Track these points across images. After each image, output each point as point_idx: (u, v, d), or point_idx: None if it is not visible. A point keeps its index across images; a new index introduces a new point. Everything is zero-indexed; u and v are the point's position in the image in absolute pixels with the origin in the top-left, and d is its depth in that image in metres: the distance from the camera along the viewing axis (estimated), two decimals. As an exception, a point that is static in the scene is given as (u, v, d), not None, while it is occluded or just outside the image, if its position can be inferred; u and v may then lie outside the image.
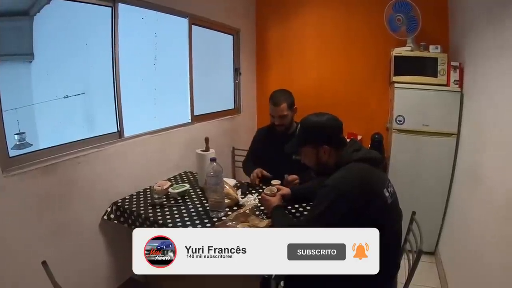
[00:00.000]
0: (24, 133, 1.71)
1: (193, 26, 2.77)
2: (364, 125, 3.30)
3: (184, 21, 2.67)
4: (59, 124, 1.94)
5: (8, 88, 1.65)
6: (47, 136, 1.84)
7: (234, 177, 3.40)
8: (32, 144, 1.73)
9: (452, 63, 2.47)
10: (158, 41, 2.52)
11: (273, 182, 1.90)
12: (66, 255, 1.77)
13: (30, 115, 1.79)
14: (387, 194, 1.28)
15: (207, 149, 2.20)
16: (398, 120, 2.63)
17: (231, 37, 3.44)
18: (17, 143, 1.70)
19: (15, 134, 1.68)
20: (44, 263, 1.35)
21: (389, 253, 1.33)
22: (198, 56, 2.88)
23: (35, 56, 1.76)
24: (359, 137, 3.22)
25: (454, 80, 2.45)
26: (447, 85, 2.50)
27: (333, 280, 1.34)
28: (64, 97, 1.91)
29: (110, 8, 1.99)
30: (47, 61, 1.83)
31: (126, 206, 1.94)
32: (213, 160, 1.74)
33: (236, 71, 3.52)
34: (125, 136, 2.16)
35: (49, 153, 1.71)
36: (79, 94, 1.99)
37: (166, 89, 2.64)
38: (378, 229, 1.23)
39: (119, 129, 2.13)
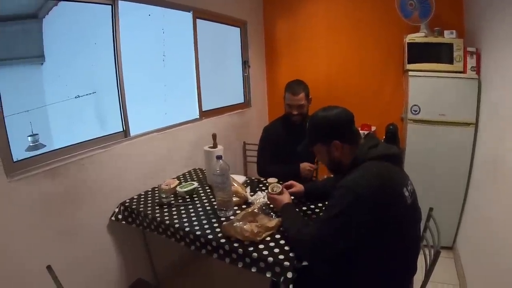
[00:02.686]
0: (37, 134, 1.72)
1: (199, 20, 2.72)
2: (379, 115, 3.20)
3: (188, 15, 2.61)
4: (72, 124, 1.95)
5: (20, 90, 1.68)
6: (60, 137, 1.85)
7: (245, 173, 3.38)
8: (45, 145, 1.75)
9: (469, 49, 2.33)
10: (166, 37, 2.51)
11: (270, 180, 1.83)
12: (73, 257, 1.76)
13: (43, 117, 1.80)
14: (406, 194, 1.19)
15: (214, 146, 2.16)
16: (413, 110, 2.52)
17: (238, 29, 3.36)
18: (31, 144, 1.71)
19: (28, 136, 1.69)
20: (49, 267, 1.34)
21: (408, 256, 1.26)
22: (205, 51, 2.84)
23: (46, 58, 1.77)
24: (373, 128, 3.13)
25: (471, 67, 2.31)
26: (464, 72, 2.36)
27: (347, 285, 1.29)
28: (75, 97, 1.92)
29: (110, 6, 1.95)
30: (58, 63, 1.83)
31: (133, 206, 1.92)
32: (219, 157, 1.68)
33: (245, 64, 3.45)
34: (131, 135, 2.13)
35: (53, 156, 1.70)
36: (90, 94, 2.00)
37: (175, 86, 2.63)
38: (396, 233, 1.17)
39: (124, 129, 2.10)
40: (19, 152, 1.61)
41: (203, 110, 2.83)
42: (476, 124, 2.35)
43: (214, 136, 2.16)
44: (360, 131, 3.08)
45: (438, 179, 2.53)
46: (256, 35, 3.57)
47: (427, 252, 1.50)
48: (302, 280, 1.37)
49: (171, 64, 2.56)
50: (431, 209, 1.63)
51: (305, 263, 1.44)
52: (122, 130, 2.10)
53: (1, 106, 1.47)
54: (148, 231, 1.85)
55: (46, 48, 1.76)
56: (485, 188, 2.08)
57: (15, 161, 1.54)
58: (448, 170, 2.48)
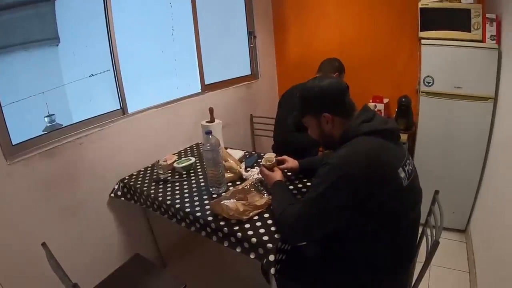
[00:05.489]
0: (53, 114, 1.78)
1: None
2: (392, 87, 3.01)
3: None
4: (89, 102, 2.01)
5: (37, 73, 1.74)
6: (79, 115, 1.91)
7: (254, 146, 3.34)
8: (62, 125, 1.80)
9: (488, 15, 2.09)
10: (174, 11, 2.50)
11: (267, 155, 1.76)
12: (73, 234, 1.82)
13: (62, 97, 1.86)
14: (402, 174, 1.10)
15: (212, 120, 2.13)
16: (426, 82, 2.33)
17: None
18: (48, 125, 1.76)
19: (45, 117, 1.75)
20: (43, 244, 1.38)
21: (404, 239, 1.19)
22: (209, 22, 2.77)
23: (61, 39, 1.80)
24: (385, 101, 2.96)
25: (491, 35, 2.08)
26: (483, 41, 2.13)
27: (339, 268, 1.25)
28: (90, 76, 1.95)
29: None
30: (72, 43, 1.86)
31: (131, 183, 1.94)
32: (208, 133, 1.66)
33: (250, 34, 3.31)
34: (129, 112, 2.13)
35: (50, 137, 1.72)
36: (104, 72, 2.02)
37: (182, 60, 2.62)
38: (389, 216, 1.10)
39: (122, 106, 2.09)
40: (37, 133, 1.71)
41: (206, 83, 2.77)
42: (495, 99, 2.14)
43: (211, 111, 2.12)
44: (371, 103, 2.95)
45: (452, 156, 2.38)
46: (262, 4, 3.38)
47: (429, 231, 1.41)
48: (292, 262, 1.35)
49: (178, 38, 2.55)
50: (436, 192, 1.50)
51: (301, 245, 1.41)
52: (119, 107, 2.09)
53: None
54: (145, 208, 1.88)
55: (60, 29, 1.79)
56: (504, 168, 1.89)
57: (14, 145, 1.58)
58: (463, 147, 2.32)
